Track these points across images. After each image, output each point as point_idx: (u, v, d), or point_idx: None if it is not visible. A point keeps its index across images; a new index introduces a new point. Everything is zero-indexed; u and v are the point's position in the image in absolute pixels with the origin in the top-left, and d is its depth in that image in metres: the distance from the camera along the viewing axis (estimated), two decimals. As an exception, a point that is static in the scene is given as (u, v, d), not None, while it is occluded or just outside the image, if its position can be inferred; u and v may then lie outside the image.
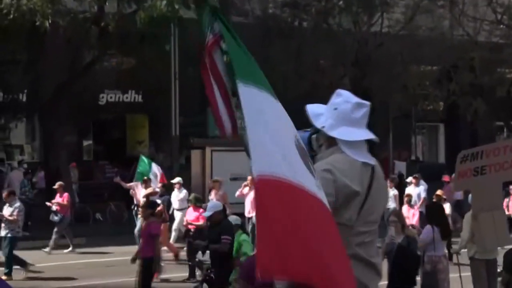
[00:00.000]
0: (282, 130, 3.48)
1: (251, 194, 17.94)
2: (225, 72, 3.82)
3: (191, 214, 15.46)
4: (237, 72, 3.48)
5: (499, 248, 9.80)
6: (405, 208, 17.19)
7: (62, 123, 25.01)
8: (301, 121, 4.18)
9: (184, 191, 18.47)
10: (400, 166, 29.92)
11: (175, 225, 18.31)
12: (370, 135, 4.09)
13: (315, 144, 4.20)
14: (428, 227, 10.45)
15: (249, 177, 18.75)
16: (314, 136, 4.21)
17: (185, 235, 15.56)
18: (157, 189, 17.62)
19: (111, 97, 28.91)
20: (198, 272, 11.87)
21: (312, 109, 4.19)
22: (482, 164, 6.94)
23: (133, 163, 27.95)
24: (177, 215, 18.34)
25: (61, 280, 14.88)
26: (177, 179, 19.07)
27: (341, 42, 28.61)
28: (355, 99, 4.12)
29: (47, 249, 18.10)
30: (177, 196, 18.51)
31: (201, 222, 14.94)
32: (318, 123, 4.11)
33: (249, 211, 17.10)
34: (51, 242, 18.15)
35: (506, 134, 35.70)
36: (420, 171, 29.92)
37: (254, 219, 16.63)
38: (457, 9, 31.69)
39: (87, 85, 26.10)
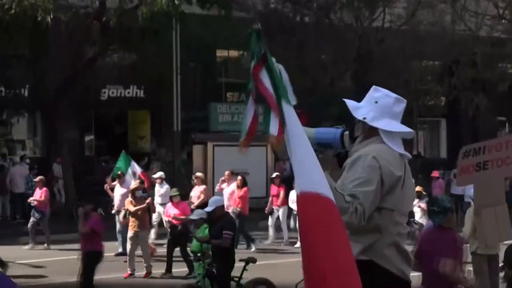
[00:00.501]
0: (309, 147, 3.70)
1: (229, 188, 18.13)
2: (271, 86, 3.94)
3: (173, 209, 15.28)
4: (281, 92, 3.82)
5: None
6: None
7: (64, 118, 25.03)
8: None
9: (166, 186, 18.17)
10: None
11: (154, 221, 18.06)
12: (409, 129, 4.35)
13: (347, 141, 4.34)
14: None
15: (227, 172, 18.97)
16: (346, 132, 4.34)
17: (171, 230, 15.34)
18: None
19: (112, 93, 28.93)
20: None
21: (351, 102, 4.40)
22: (484, 159, 6.94)
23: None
24: (160, 210, 18.06)
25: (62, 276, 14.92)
26: (159, 174, 18.86)
27: (343, 37, 28.59)
28: (394, 95, 4.39)
29: (29, 246, 18.19)
30: (159, 191, 18.29)
31: (185, 216, 14.98)
32: (359, 115, 4.31)
33: (227, 206, 16.98)
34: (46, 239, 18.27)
35: (508, 129, 35.68)
36: (422, 167, 30.01)
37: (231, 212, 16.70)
38: (458, 4, 31.64)
39: (89, 81, 26.13)
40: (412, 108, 33.39)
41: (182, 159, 27.44)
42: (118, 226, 17.01)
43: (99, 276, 12.62)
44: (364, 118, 4.27)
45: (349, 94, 25.21)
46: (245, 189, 17.94)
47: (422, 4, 30.17)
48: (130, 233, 14.75)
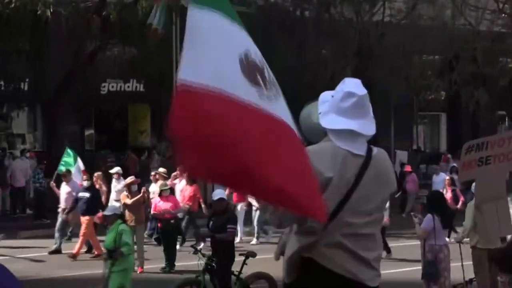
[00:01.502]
0: (223, 47, 3.40)
1: (181, 184, 17.68)
2: None
3: (164, 203, 15.10)
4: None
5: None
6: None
7: (64, 112, 25.03)
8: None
9: (123, 182, 17.56)
10: (402, 156, 29.94)
11: None
12: (353, 126, 4.00)
13: None
14: (428, 216, 10.45)
15: (116, 168, 18.54)
16: None
17: (162, 224, 15.22)
18: (85, 183, 16.62)
19: (112, 87, 28.90)
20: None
21: (323, 95, 4.21)
22: (486, 154, 6.95)
23: (134, 153, 28.07)
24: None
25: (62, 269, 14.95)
26: (116, 169, 18.56)
27: (343, 32, 28.57)
28: (349, 88, 4.06)
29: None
30: (115, 186, 18.03)
31: (175, 211, 14.95)
32: (320, 109, 4.14)
33: (181, 200, 16.87)
34: None
35: (508, 123, 35.71)
36: (421, 161, 30.06)
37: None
38: (459, -2, 31.63)
39: (89, 75, 26.10)
40: (412, 102, 33.46)
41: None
42: (58, 223, 16.74)
43: (100, 270, 12.59)
44: (319, 113, 4.12)
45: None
46: (195, 185, 17.33)
47: (422, -2, 30.15)
48: None
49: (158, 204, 15.15)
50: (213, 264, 10.63)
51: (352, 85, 4.08)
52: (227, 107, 3.23)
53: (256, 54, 3.64)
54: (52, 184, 18.05)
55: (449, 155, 30.33)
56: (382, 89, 28.65)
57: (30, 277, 13.71)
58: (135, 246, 14.53)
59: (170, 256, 14.66)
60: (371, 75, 27.07)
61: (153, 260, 15.16)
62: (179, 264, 14.61)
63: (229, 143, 3.18)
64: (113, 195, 17.93)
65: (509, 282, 3.90)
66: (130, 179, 15.51)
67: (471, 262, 10.45)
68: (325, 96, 4.19)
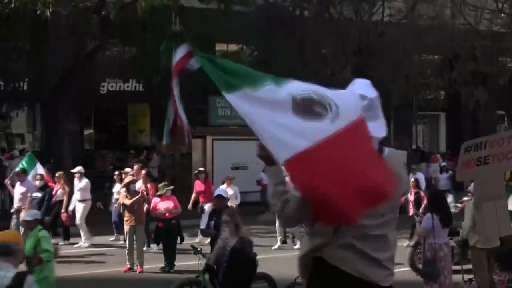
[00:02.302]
0: (275, 109, 3.81)
1: (137, 184, 16.28)
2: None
3: (164, 203, 14.96)
4: (219, 85, 4.01)
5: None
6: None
7: (64, 112, 25.01)
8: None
9: (85, 181, 17.71)
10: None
11: (78, 219, 17.63)
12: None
13: None
14: (428, 215, 10.48)
15: (135, 166, 17.87)
16: None
17: (163, 224, 15.15)
18: (37, 183, 16.44)
19: (112, 86, 28.90)
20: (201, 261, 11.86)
21: None
22: (485, 154, 6.96)
23: (134, 152, 28.06)
24: (79, 207, 17.63)
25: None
26: (78, 169, 18.25)
27: (343, 31, 28.57)
28: (359, 91, 4.14)
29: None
30: (77, 185, 17.86)
31: (175, 210, 14.94)
32: None
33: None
34: None
35: (507, 123, 35.71)
36: (421, 161, 30.05)
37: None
38: (458, -3, 31.65)
39: (89, 74, 26.10)
40: (412, 101, 33.47)
41: (182, 153, 27.43)
42: (12, 224, 16.54)
43: (99, 270, 12.65)
44: None
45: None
46: (151, 185, 16.73)
47: (421, -3, 30.15)
48: (126, 228, 14.69)
49: (158, 204, 15.11)
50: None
51: (363, 87, 4.17)
52: (321, 154, 3.71)
53: (300, 88, 4.02)
54: (7, 182, 18.03)
55: (438, 155, 30.39)
56: (382, 88, 28.63)
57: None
58: (135, 246, 14.57)
59: (170, 256, 14.66)
60: (371, 74, 27.09)
61: (153, 260, 15.16)
62: (178, 264, 14.61)
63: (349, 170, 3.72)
64: (76, 195, 17.70)
65: (508, 279, 3.90)
66: (128, 179, 15.47)
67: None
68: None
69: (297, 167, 3.64)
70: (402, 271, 13.86)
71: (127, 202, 14.65)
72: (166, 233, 14.80)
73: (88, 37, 24.71)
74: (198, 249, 11.06)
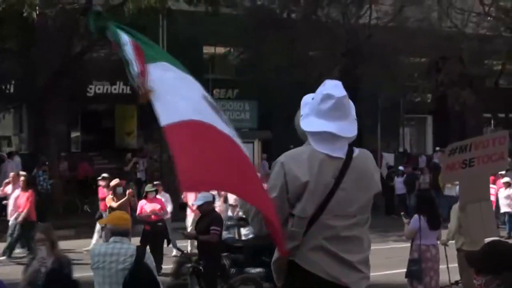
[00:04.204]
0: (187, 88, 3.95)
1: (15, 193, 16.15)
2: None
3: (150, 205, 14.91)
4: (146, 56, 4.03)
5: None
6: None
7: (50, 114, 24.93)
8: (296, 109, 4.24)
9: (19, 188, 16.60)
10: (389, 158, 30.04)
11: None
12: (331, 128, 4.00)
13: None
14: (415, 216, 10.53)
15: (11, 174, 17.36)
16: None
17: (151, 227, 15.09)
18: None
19: (99, 88, 28.83)
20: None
21: (305, 98, 4.22)
22: (470, 156, 7.00)
23: (122, 154, 27.99)
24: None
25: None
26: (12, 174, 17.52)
27: (331, 33, 28.64)
28: (328, 90, 4.05)
29: None
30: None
31: (161, 212, 14.88)
32: (301, 112, 4.15)
33: (11, 213, 15.80)
34: None
35: (494, 125, 35.91)
36: (408, 163, 30.15)
37: (17, 223, 15.58)
38: (445, 0, 31.81)
39: (76, 76, 26.02)
40: (399, 104, 33.61)
41: (169, 155, 27.36)
42: None
43: (87, 273, 12.49)
44: (301, 116, 4.12)
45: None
46: (29, 191, 16.08)
47: (408, 0, 30.26)
48: None
49: (144, 206, 15.06)
50: (200, 267, 10.63)
51: (331, 87, 4.07)
52: (209, 132, 3.76)
53: (209, 96, 4.14)
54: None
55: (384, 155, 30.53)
56: (369, 90, 28.76)
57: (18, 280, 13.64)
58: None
59: (157, 259, 14.59)
60: (359, 76, 27.19)
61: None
62: (165, 267, 14.56)
63: (216, 158, 3.68)
64: (11, 201, 16.65)
65: (485, 283, 3.87)
66: (115, 181, 15.45)
67: (456, 265, 10.50)
68: (306, 98, 4.19)
69: (179, 132, 3.65)
70: (389, 273, 13.91)
71: (114, 204, 14.62)
72: (152, 235, 14.76)
73: (75, 39, 24.64)
74: (185, 251, 11.07)
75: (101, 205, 17.01)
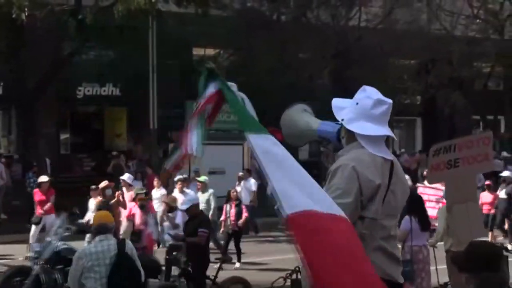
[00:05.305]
0: (294, 167, 3.69)
1: None
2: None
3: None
4: (243, 125, 3.88)
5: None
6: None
7: (40, 116, 24.84)
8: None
9: None
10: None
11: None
12: (388, 132, 4.24)
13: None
14: (406, 217, 10.55)
15: None
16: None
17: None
18: None
19: (88, 91, 28.75)
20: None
21: (337, 102, 4.36)
22: (455, 157, 7.02)
23: (111, 156, 27.91)
24: None
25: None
26: None
27: (321, 35, 28.68)
28: (377, 96, 4.30)
29: None
30: None
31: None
32: (339, 116, 4.27)
33: None
34: None
35: (483, 127, 36.01)
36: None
37: None
38: (434, 3, 31.91)
39: (65, 78, 25.95)
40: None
41: (159, 157, 27.36)
42: None
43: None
44: (342, 120, 4.24)
45: (328, 90, 25.33)
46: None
47: (398, 3, 30.35)
48: None
49: (133, 209, 14.99)
50: (189, 269, 10.62)
51: (377, 93, 4.34)
52: (327, 222, 3.56)
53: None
54: None
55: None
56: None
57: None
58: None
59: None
60: (348, 78, 27.21)
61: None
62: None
63: (343, 252, 3.52)
64: None
65: (465, 281, 4.01)
66: (104, 183, 15.39)
67: (445, 266, 10.52)
68: (341, 103, 4.34)
69: (299, 224, 3.49)
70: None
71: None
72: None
73: (64, 41, 24.57)
74: (173, 253, 11.06)
75: (37, 209, 16.58)
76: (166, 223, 13.32)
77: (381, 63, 29.26)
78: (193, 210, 10.92)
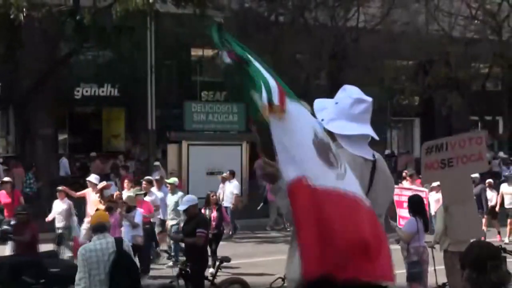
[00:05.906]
0: (300, 134, 3.61)
1: None
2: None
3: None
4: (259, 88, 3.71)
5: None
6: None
7: (38, 116, 24.84)
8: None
9: None
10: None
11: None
12: (368, 131, 4.15)
13: None
14: (411, 218, 10.55)
15: None
16: None
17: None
18: None
19: (86, 91, 28.76)
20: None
21: (318, 103, 4.27)
22: (448, 156, 7.00)
23: (109, 156, 27.92)
24: None
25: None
26: None
27: (318, 36, 28.70)
28: (357, 95, 4.18)
29: None
30: None
31: (149, 215, 14.82)
32: (319, 116, 4.17)
33: None
34: None
35: (480, 128, 36.05)
36: (395, 166, 30.24)
37: None
38: (432, 4, 31.94)
39: (63, 79, 25.96)
40: (386, 107, 33.68)
41: (157, 158, 27.37)
42: None
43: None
44: (322, 120, 4.14)
45: (324, 91, 25.33)
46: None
47: (396, 3, 30.37)
48: None
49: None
50: (187, 269, 10.61)
51: (357, 92, 4.21)
52: (318, 196, 3.50)
53: (320, 128, 3.81)
54: None
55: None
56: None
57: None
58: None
59: (144, 261, 14.55)
60: (346, 78, 27.22)
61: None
62: (153, 269, 14.54)
63: (330, 229, 3.49)
64: None
65: (465, 279, 4.04)
66: (102, 184, 15.36)
67: (443, 266, 10.53)
68: (323, 103, 4.26)
69: (300, 190, 3.46)
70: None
71: (101, 207, 14.55)
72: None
73: (63, 41, 24.57)
74: (172, 254, 11.05)
75: (5, 212, 16.28)
76: (126, 223, 13.21)
77: (379, 63, 29.28)
78: (191, 211, 10.93)
